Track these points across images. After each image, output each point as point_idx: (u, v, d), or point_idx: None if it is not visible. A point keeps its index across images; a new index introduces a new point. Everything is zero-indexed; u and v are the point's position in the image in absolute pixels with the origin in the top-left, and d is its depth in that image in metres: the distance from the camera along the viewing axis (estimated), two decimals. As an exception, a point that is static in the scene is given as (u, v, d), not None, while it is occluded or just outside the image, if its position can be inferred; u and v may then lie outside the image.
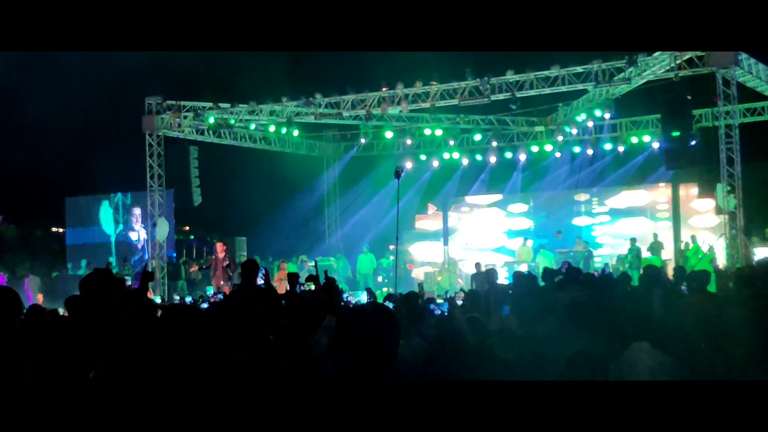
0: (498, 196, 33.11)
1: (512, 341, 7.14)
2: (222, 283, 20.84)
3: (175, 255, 30.10)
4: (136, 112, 27.65)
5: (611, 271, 23.82)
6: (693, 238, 26.29)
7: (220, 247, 21.36)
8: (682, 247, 27.36)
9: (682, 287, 11.47)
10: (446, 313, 10.56)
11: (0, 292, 5.22)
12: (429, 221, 34.25)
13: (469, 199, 33.67)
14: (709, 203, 25.87)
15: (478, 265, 24.65)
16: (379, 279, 29.61)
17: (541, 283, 12.37)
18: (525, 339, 7.38)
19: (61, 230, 38.58)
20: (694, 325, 7.77)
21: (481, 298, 10.45)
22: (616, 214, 31.19)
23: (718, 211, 22.68)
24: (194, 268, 24.42)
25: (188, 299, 19.32)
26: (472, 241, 32.93)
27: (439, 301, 13.82)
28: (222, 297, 15.95)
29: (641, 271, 13.21)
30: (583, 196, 31.88)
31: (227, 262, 21.23)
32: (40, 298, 23.37)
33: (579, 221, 31.65)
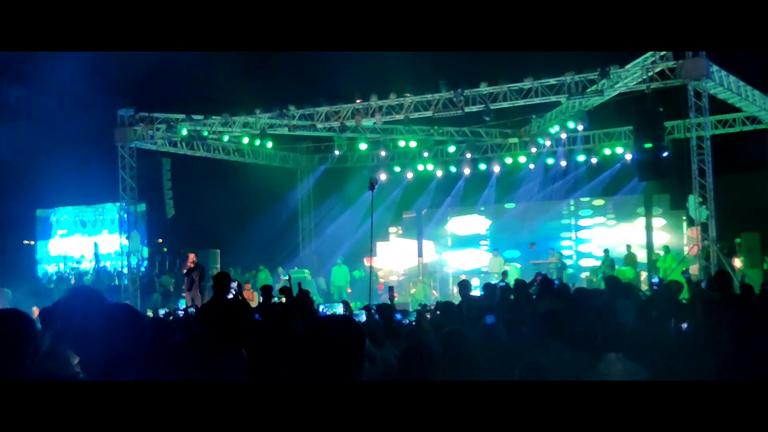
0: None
1: (499, 350, 7.13)
2: (198, 294, 20.68)
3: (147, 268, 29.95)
4: (108, 123, 27.48)
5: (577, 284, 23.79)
6: (665, 249, 26.44)
7: (191, 257, 21.22)
8: (654, 257, 27.53)
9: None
10: (414, 324, 10.54)
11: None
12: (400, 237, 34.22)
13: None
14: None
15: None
16: (348, 291, 29.48)
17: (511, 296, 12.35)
18: (511, 348, 7.37)
19: (32, 243, 38.30)
20: (666, 335, 7.78)
21: (455, 309, 10.42)
22: (588, 224, 31.34)
23: (690, 222, 22.80)
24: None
25: (161, 312, 19.17)
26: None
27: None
28: (194, 310, 15.82)
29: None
30: (557, 207, 31.97)
31: (199, 274, 21.06)
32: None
33: (553, 232, 31.75)
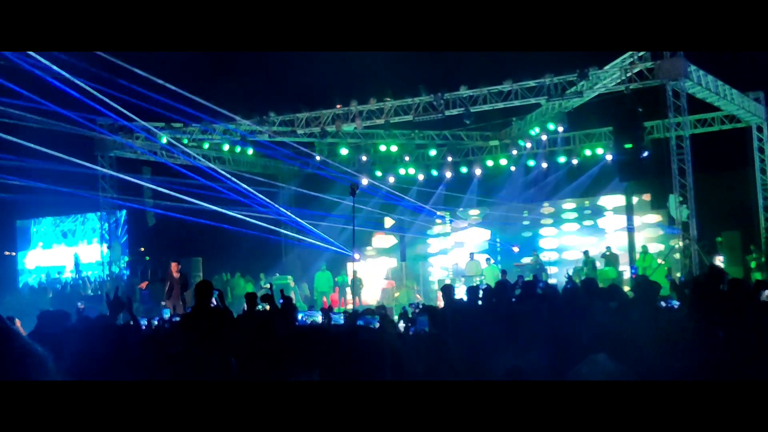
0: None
1: (476, 354, 7.10)
2: (179, 302, 20.62)
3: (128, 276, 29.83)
4: (87, 133, 27.30)
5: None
6: (644, 248, 26.52)
7: (174, 266, 21.14)
8: (637, 257, 27.62)
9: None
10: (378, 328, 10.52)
11: None
12: (385, 238, 34.30)
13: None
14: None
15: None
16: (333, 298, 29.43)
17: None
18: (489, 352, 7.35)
19: (13, 253, 38.10)
20: (647, 335, 7.80)
21: (438, 314, 10.40)
22: (570, 226, 31.51)
23: (671, 221, 22.90)
24: (143, 284, 24.15)
25: (143, 322, 19.05)
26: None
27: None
28: (179, 319, 15.73)
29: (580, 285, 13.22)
30: (537, 209, 32.12)
31: (182, 282, 21.02)
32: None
33: (534, 234, 31.91)
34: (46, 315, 9.38)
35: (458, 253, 32.45)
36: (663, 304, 11.49)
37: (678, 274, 22.71)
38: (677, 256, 23.32)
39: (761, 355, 6.87)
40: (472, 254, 29.83)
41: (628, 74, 22.35)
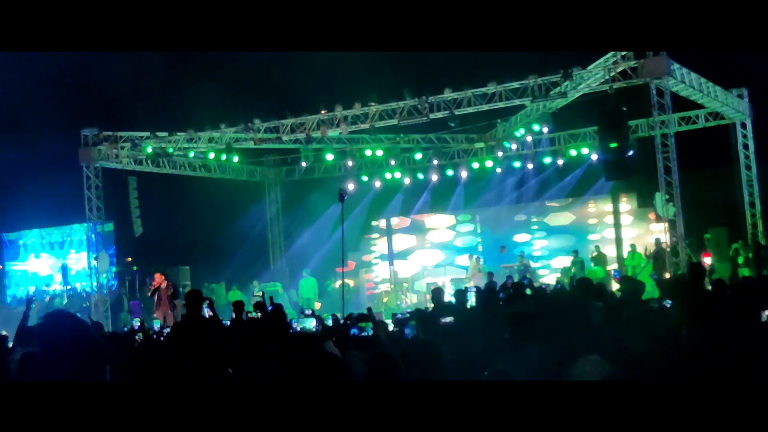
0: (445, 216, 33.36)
1: (465, 357, 7.10)
2: (169, 312, 20.57)
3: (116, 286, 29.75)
4: (72, 144, 27.27)
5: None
6: (633, 247, 26.58)
7: (158, 277, 21.10)
8: (625, 256, 27.70)
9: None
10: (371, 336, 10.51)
11: None
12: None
13: (417, 217, 33.89)
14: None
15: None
16: (317, 305, 29.37)
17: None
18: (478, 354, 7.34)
19: (0, 267, 37.89)
20: (636, 335, 7.81)
21: (428, 316, 10.41)
22: (557, 228, 31.56)
23: (658, 219, 22.96)
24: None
25: (135, 324, 18.95)
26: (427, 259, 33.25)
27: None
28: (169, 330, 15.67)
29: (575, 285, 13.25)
30: (524, 210, 32.17)
31: (171, 291, 20.97)
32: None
33: (520, 235, 31.97)
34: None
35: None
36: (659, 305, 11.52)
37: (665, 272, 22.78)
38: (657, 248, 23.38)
39: (743, 355, 6.90)
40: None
41: (612, 73, 22.38)
